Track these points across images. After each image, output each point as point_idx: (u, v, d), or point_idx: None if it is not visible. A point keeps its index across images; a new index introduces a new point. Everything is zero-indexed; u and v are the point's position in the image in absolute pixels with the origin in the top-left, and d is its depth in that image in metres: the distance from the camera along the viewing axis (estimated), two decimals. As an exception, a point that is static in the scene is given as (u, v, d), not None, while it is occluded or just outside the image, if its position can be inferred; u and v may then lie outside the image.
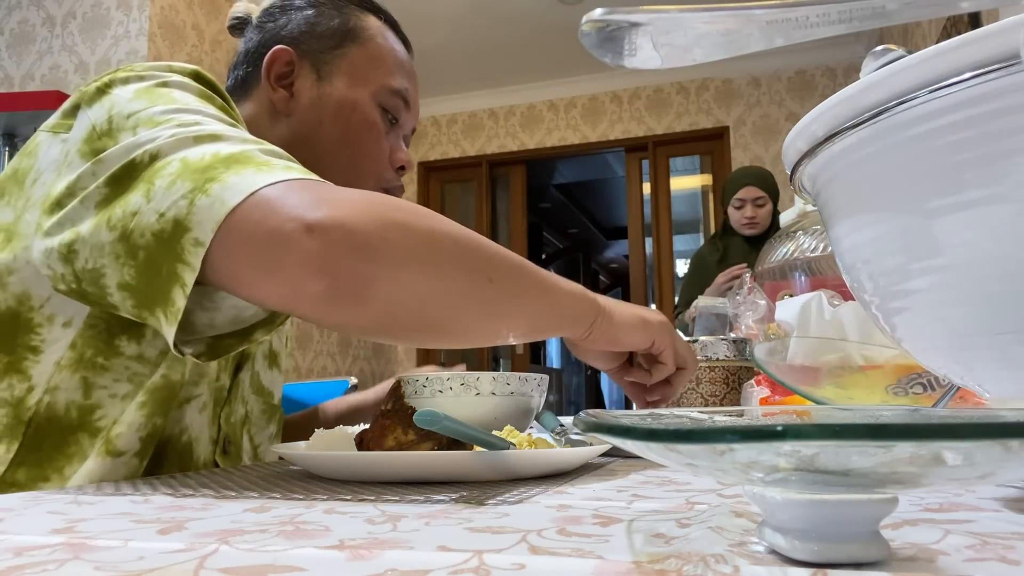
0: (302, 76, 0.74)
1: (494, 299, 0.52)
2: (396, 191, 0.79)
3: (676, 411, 0.34)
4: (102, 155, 0.51)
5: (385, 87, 0.75)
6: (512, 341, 0.59)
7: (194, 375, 0.62)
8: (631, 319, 0.64)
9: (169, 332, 0.48)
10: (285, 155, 0.53)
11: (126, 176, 0.50)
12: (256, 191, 0.45)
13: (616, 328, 0.63)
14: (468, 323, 0.52)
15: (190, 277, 0.46)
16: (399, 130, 0.79)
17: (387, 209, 0.47)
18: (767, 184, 2.54)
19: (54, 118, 0.58)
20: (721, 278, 2.42)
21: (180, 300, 0.46)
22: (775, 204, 2.57)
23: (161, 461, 0.60)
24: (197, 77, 0.60)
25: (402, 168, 0.79)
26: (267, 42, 0.74)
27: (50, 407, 0.55)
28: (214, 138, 0.50)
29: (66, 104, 0.58)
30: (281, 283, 0.45)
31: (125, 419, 0.56)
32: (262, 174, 0.47)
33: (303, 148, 0.69)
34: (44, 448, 0.54)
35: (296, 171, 0.49)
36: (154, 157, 0.49)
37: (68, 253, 0.51)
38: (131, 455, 0.56)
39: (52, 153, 0.55)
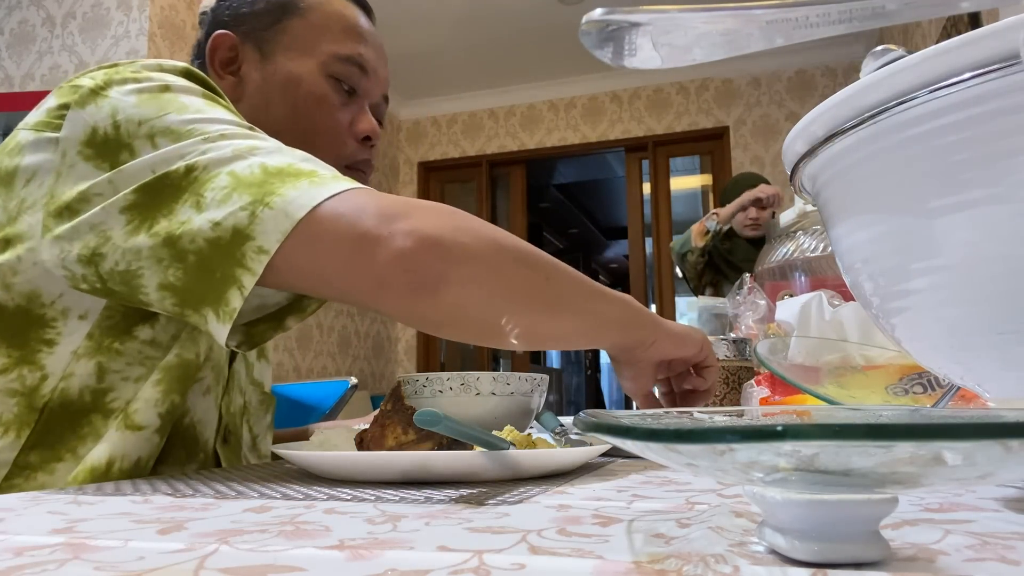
0: (247, 59, 0.72)
1: (554, 297, 0.55)
2: (362, 164, 0.76)
3: (676, 411, 0.34)
4: (122, 167, 0.52)
5: (333, 55, 0.72)
6: (575, 344, 0.62)
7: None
8: (681, 329, 0.68)
9: (221, 329, 0.50)
10: (314, 159, 0.55)
11: (161, 186, 0.51)
12: (321, 203, 0.49)
13: (672, 335, 0.66)
14: (531, 318, 0.54)
15: (249, 281, 0.49)
16: (361, 100, 0.75)
17: (454, 216, 0.52)
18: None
19: (36, 116, 0.57)
20: (746, 196, 2.47)
21: (236, 301, 0.49)
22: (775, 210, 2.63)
23: (168, 443, 0.61)
24: (188, 75, 0.60)
25: (368, 139, 0.75)
26: (211, 30, 0.73)
27: (64, 392, 0.55)
28: (252, 150, 0.53)
29: (49, 102, 0.57)
30: (370, 278, 0.50)
31: (142, 395, 0.57)
32: (317, 187, 0.50)
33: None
34: (56, 431, 0.55)
35: (344, 181, 0.52)
36: (191, 169, 0.51)
37: (92, 256, 0.52)
38: (152, 431, 0.57)
39: (43, 153, 0.55)
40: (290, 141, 0.68)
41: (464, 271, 0.50)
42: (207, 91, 0.59)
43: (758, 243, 2.57)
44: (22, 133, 0.57)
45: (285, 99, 0.71)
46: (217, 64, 0.72)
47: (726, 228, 2.55)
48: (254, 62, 0.72)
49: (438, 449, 0.49)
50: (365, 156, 0.76)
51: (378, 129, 0.76)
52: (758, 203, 2.53)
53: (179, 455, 0.62)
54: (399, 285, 0.49)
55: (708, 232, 2.56)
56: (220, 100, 0.59)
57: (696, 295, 2.69)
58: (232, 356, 0.71)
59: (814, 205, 0.39)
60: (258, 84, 0.71)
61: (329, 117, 0.72)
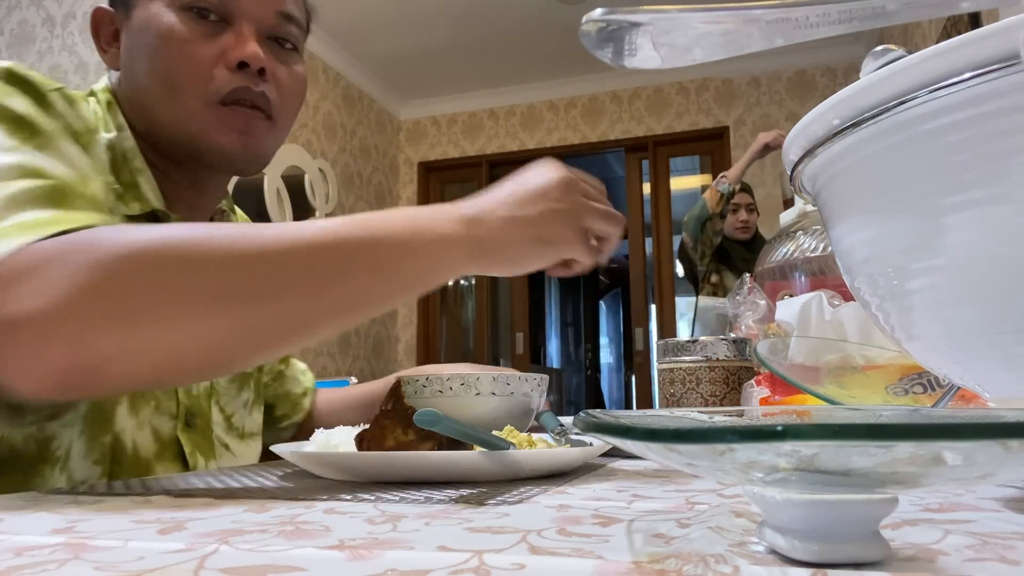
0: (121, 26, 0.67)
1: (278, 316, 0.45)
2: (242, 93, 0.64)
3: (676, 411, 0.34)
4: None
5: None
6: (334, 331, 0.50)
7: None
8: (520, 223, 0.50)
9: None
10: (59, 193, 0.49)
11: None
12: None
13: (504, 250, 0.51)
14: (239, 355, 0.47)
15: None
16: (240, 24, 0.64)
17: (116, 280, 0.42)
18: (752, 193, 2.71)
19: None
20: (755, 145, 2.50)
21: None
22: (757, 213, 2.73)
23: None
24: (9, 78, 0.55)
25: (246, 65, 0.63)
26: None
27: (11, 444, 0.55)
28: None
29: None
30: (16, 374, 0.42)
31: (74, 452, 0.57)
32: None
33: (136, 94, 0.65)
34: (12, 483, 0.55)
35: (29, 233, 0.44)
36: None
37: None
38: (96, 476, 0.58)
39: None
40: (158, 94, 0.63)
41: (119, 345, 0.42)
42: (16, 111, 0.54)
43: (750, 246, 2.63)
44: None
45: (140, 49, 0.64)
46: (103, 42, 0.68)
47: (737, 187, 2.58)
48: (124, 25, 0.67)
49: (438, 449, 0.49)
50: (242, 84, 0.63)
51: (257, 52, 0.63)
52: (767, 151, 2.55)
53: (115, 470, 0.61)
54: (46, 380, 0.42)
55: (722, 195, 2.58)
56: (31, 122, 0.54)
57: (700, 284, 2.70)
58: None
59: (814, 205, 0.39)
60: (125, 46, 0.66)
61: (181, 52, 0.62)
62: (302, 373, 0.93)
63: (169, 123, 0.64)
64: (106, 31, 0.68)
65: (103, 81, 0.70)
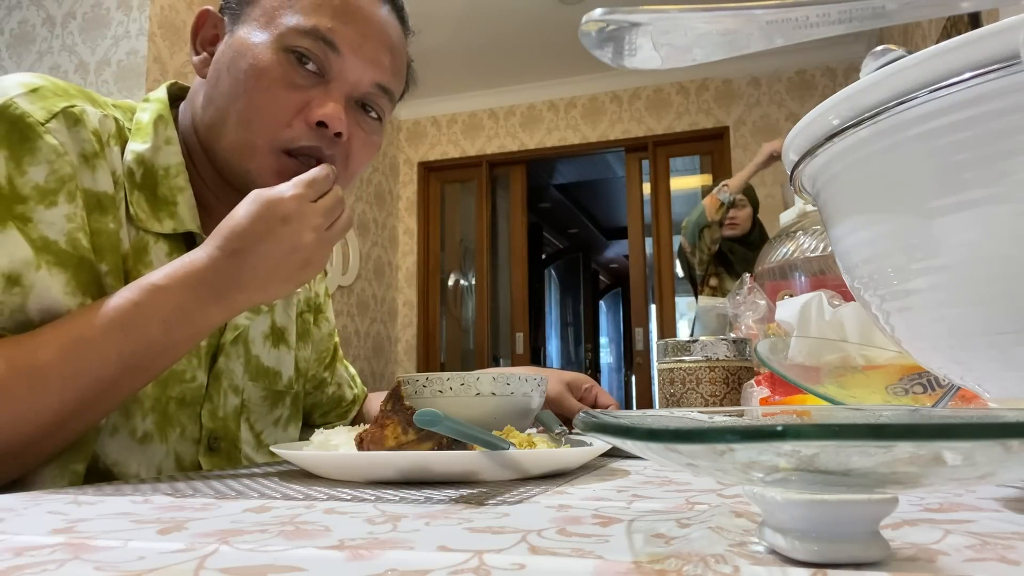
0: (223, 35, 0.67)
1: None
2: (310, 152, 0.64)
3: (676, 411, 0.34)
4: None
5: (293, 28, 0.62)
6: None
7: (121, 409, 0.60)
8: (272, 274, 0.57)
9: None
10: None
11: None
12: None
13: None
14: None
15: None
16: (332, 83, 0.64)
17: None
18: (747, 189, 2.64)
19: None
20: (760, 156, 2.50)
21: None
22: (755, 210, 2.70)
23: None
24: None
25: (325, 125, 0.63)
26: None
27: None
28: None
29: None
30: None
31: (46, 475, 0.57)
32: None
33: (210, 110, 0.65)
34: None
35: None
36: None
37: None
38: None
39: None
40: (230, 119, 0.63)
41: None
42: None
43: (749, 243, 2.63)
44: None
45: (231, 71, 0.63)
46: (199, 43, 0.68)
47: (733, 198, 2.58)
48: (225, 36, 0.66)
49: (438, 449, 0.49)
50: (312, 143, 0.63)
51: (340, 116, 0.63)
52: (772, 161, 2.54)
53: None
54: None
55: (722, 204, 2.57)
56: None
57: (699, 287, 2.70)
58: (213, 357, 0.69)
59: (814, 205, 0.39)
60: (218, 56, 0.65)
61: (268, 93, 0.62)
62: (352, 378, 0.94)
63: (227, 150, 0.64)
64: (206, 33, 0.68)
65: (162, 91, 0.69)
